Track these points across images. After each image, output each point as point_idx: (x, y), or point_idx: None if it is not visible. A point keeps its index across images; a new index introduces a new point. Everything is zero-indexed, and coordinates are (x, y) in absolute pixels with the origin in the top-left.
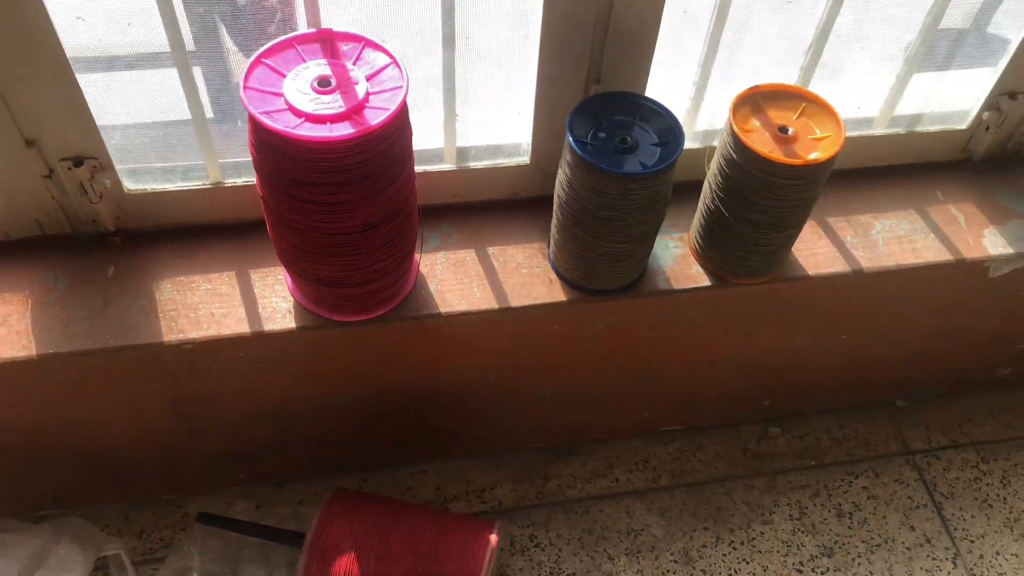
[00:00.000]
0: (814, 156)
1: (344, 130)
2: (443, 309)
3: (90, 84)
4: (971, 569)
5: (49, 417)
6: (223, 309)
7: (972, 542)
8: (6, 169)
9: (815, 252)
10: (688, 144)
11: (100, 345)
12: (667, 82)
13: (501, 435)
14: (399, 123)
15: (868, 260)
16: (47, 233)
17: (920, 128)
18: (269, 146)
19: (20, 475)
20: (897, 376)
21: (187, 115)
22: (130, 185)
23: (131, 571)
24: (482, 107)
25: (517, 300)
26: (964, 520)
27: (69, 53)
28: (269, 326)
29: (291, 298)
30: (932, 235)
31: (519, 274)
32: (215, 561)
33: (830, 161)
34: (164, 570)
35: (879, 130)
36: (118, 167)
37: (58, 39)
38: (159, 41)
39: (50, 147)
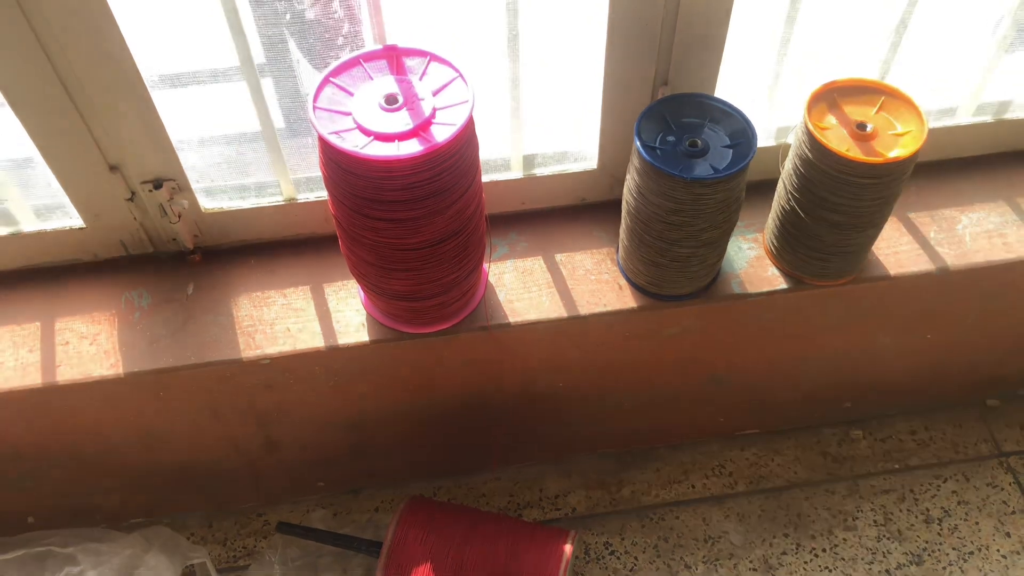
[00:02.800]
0: (895, 153)
1: (412, 148)
2: (512, 319)
3: (166, 107)
4: None
5: (135, 430)
6: (298, 324)
7: None
8: (93, 193)
9: (897, 250)
10: (761, 142)
11: (182, 362)
12: (738, 79)
13: (573, 441)
14: (466, 138)
15: (954, 257)
16: (131, 253)
17: (1010, 115)
18: (339, 165)
19: (112, 485)
20: (988, 375)
21: (259, 131)
22: (207, 204)
23: None
24: (548, 113)
25: (586, 308)
26: None
27: (146, 77)
28: (343, 340)
29: (364, 311)
30: None
31: (588, 281)
32: (295, 570)
33: (912, 158)
34: None
35: (964, 119)
36: (195, 187)
37: (135, 65)
38: (230, 59)
39: (132, 171)
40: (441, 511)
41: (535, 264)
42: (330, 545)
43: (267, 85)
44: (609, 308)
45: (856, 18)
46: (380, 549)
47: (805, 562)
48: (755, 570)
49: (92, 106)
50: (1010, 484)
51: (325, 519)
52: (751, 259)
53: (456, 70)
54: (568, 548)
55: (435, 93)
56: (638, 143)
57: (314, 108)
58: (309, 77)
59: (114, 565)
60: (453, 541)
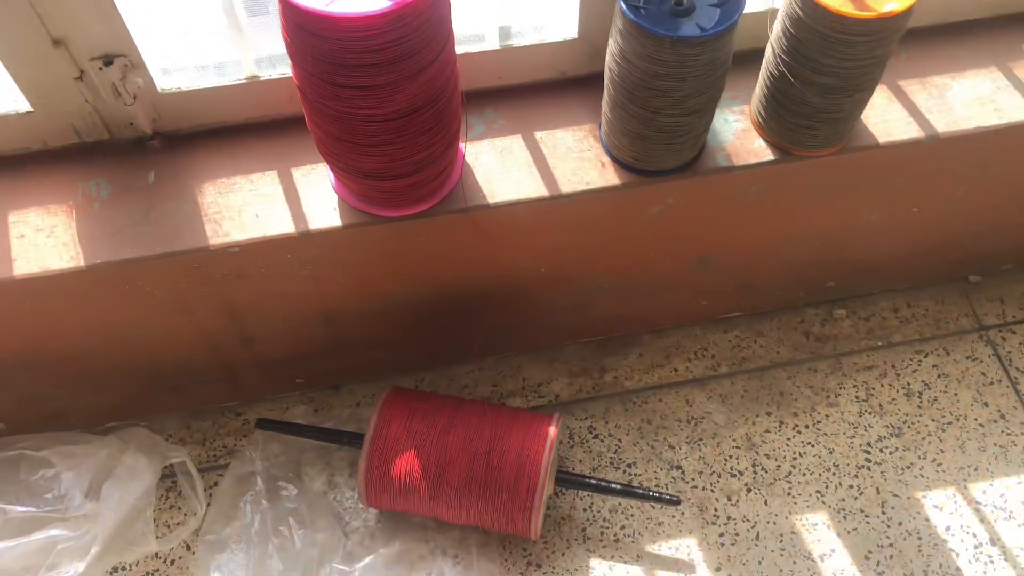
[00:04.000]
0: (890, 8)
1: (379, 4)
2: (491, 200)
3: None
4: None
5: (103, 328)
6: (267, 210)
7: None
8: (36, 72)
9: (886, 119)
10: (748, 7)
11: (147, 253)
12: None
13: (555, 329)
14: None
15: (944, 124)
16: (85, 140)
17: None
18: (301, 28)
19: (83, 388)
20: (972, 250)
21: (217, 4)
22: (164, 84)
23: (197, 478)
24: None
25: (568, 186)
26: None
27: None
28: (315, 225)
29: (335, 195)
30: (1017, 93)
31: (570, 158)
32: (277, 465)
33: (907, 13)
34: (228, 476)
35: None
36: (150, 65)
37: None
38: None
39: (78, 46)
40: (423, 399)
41: (514, 143)
42: (312, 439)
43: None
44: (592, 186)
45: None
46: (363, 440)
47: (788, 438)
48: (738, 448)
49: None
50: (989, 356)
51: (306, 415)
52: (737, 131)
53: None
54: (553, 430)
55: None
56: (621, 2)
57: None
58: None
59: (90, 466)
60: (436, 427)
